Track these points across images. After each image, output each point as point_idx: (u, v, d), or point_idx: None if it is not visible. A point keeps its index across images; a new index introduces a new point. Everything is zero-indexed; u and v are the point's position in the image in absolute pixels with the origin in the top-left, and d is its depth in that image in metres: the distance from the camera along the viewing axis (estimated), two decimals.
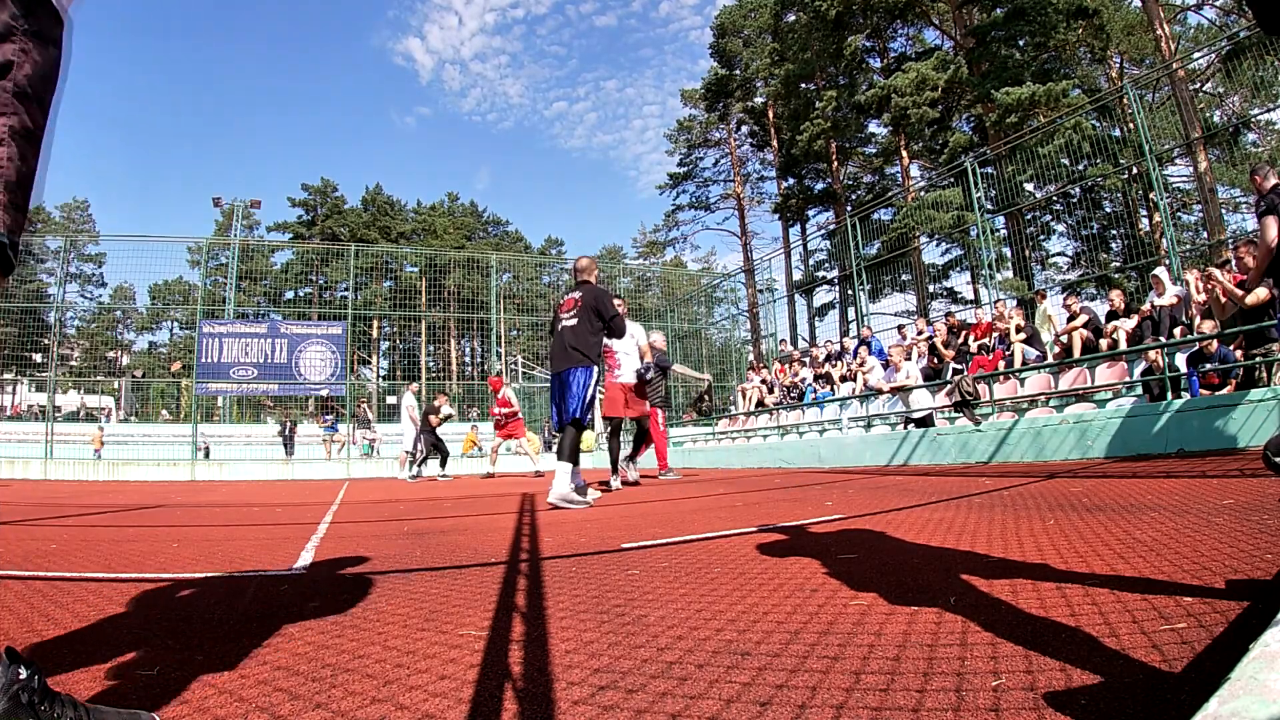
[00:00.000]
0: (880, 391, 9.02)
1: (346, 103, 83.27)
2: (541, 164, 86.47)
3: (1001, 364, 7.92)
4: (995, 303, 9.82)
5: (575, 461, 4.24)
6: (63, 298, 18.43)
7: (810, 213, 34.04)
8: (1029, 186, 14.55)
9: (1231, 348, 5.67)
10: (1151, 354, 6.21)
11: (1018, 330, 7.86)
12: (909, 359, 9.04)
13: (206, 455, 14.79)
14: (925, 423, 7.91)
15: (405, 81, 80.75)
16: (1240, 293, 5.41)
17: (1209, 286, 5.74)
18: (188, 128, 76.66)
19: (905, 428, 8.13)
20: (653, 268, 35.53)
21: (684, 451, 12.68)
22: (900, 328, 10.53)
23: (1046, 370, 7.41)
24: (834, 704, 0.85)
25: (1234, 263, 6.00)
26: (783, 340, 18.26)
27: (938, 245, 23.79)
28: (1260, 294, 5.25)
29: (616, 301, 5.11)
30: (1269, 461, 2.81)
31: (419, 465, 10.74)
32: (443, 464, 10.62)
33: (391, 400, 24.07)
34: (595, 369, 4.50)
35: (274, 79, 78.33)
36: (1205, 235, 17.85)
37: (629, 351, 6.07)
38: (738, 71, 33.85)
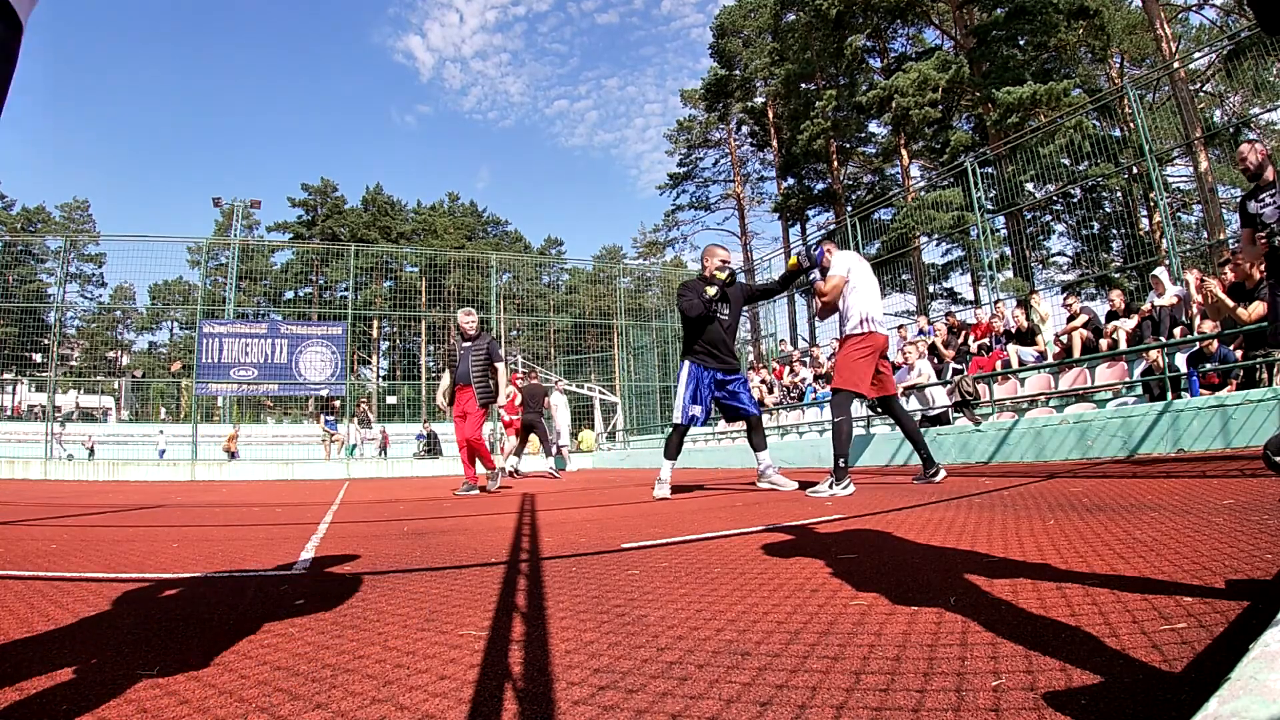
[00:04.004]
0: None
1: (346, 102, 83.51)
2: (542, 163, 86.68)
3: (999, 364, 7.91)
4: (995, 303, 9.81)
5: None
6: (63, 298, 18.44)
7: (810, 213, 34.08)
8: (1029, 186, 14.55)
9: (1231, 348, 5.67)
10: (1151, 354, 6.21)
11: (1026, 330, 7.81)
12: (921, 357, 8.82)
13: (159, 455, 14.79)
14: (940, 420, 7.87)
15: (405, 79, 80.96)
16: (1231, 303, 5.45)
17: (1206, 295, 5.77)
18: (188, 128, 76.87)
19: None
20: (653, 268, 35.50)
21: (684, 451, 12.62)
22: (900, 328, 10.52)
23: (1046, 370, 7.40)
24: (834, 704, 0.85)
25: (1230, 268, 6.01)
26: (782, 340, 18.24)
27: (938, 245, 23.80)
28: (1258, 309, 5.27)
29: (828, 246, 4.59)
30: (1269, 461, 2.81)
31: (554, 456, 10.76)
32: (517, 452, 10.48)
33: (392, 400, 24.10)
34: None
35: (274, 78, 78.51)
36: (1205, 235, 17.85)
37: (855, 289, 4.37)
38: (738, 71, 33.85)
